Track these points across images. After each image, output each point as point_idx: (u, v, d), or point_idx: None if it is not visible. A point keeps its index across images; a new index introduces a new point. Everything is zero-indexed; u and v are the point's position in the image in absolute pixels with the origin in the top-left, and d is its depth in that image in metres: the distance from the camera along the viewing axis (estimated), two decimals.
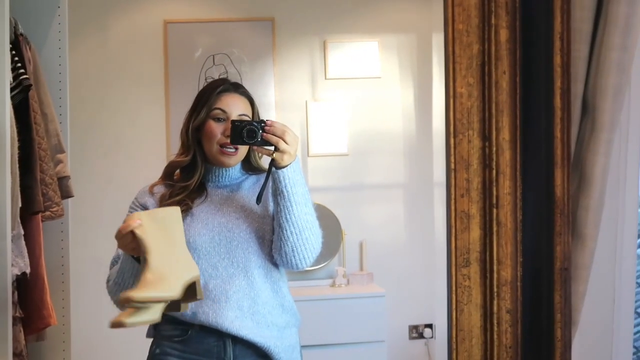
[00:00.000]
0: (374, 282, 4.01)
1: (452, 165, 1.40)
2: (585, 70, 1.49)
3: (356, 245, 4.10)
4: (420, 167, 4.15)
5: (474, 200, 1.41)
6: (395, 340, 4.02)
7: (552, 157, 1.42)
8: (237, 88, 2.03)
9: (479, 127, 1.40)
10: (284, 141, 1.81)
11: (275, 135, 1.81)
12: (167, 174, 2.04)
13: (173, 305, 1.78)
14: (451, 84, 1.39)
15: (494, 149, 1.40)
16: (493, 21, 1.42)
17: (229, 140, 1.90)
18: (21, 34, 2.78)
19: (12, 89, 2.56)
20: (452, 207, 1.39)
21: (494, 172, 1.40)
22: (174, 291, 1.69)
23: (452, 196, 1.39)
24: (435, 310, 4.02)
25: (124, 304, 1.64)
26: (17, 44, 2.70)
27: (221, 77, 3.98)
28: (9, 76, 2.48)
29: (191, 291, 1.78)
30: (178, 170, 2.04)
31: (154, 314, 1.68)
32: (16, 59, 2.63)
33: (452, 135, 1.39)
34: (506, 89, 1.41)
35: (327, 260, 4.01)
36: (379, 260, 4.09)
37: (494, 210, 1.40)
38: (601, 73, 1.48)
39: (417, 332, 4.15)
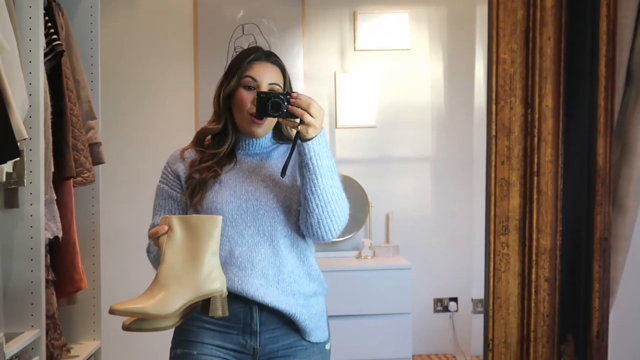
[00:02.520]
0: (400, 254, 4.01)
1: (493, 132, 1.38)
2: (631, 38, 1.46)
3: (382, 218, 4.10)
4: (448, 140, 4.13)
5: (515, 167, 1.40)
6: (419, 312, 4.03)
7: (594, 125, 1.40)
8: (269, 56, 2.00)
9: (522, 94, 1.38)
10: (309, 114, 1.79)
11: (301, 108, 1.79)
12: (198, 140, 2.04)
13: (205, 307, 1.77)
14: (494, 49, 1.36)
15: (537, 116, 1.38)
16: None
17: None
18: (54, 0, 2.78)
19: (45, 55, 2.57)
20: (492, 175, 1.38)
21: (536, 139, 1.38)
22: (167, 309, 1.66)
23: (493, 163, 1.38)
24: (462, 284, 4.04)
25: (111, 313, 1.64)
26: (50, 10, 2.71)
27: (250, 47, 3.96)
28: (42, 42, 2.49)
29: (208, 304, 1.75)
30: (209, 137, 2.04)
31: (164, 322, 1.68)
32: (49, 24, 2.63)
33: (493, 101, 1.37)
34: (550, 56, 1.38)
35: (353, 232, 4.02)
36: (405, 233, 4.09)
37: (535, 178, 1.38)
38: None
39: (441, 305, 4.15)
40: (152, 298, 1.65)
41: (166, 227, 1.72)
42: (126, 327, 1.67)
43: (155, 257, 1.92)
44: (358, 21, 4.08)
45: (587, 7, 1.42)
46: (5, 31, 2.20)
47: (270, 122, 1.96)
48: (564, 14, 1.40)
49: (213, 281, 1.72)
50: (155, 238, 1.74)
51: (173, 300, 1.66)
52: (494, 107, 1.37)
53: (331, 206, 1.85)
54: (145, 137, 3.95)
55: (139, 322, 1.66)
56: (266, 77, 1.95)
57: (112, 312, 1.63)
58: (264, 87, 1.93)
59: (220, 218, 1.75)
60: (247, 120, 1.94)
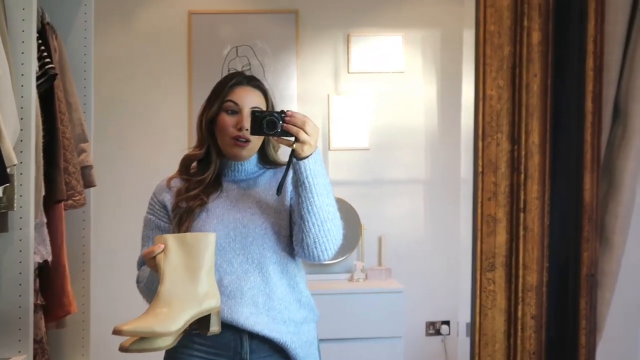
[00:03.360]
0: (392, 277, 4.00)
1: (480, 169, 1.38)
2: (618, 74, 1.47)
3: (375, 240, 4.10)
4: (442, 163, 4.13)
5: (501, 204, 1.40)
6: (412, 336, 4.02)
7: (581, 161, 1.40)
8: (250, 81, 2.02)
9: (508, 130, 1.39)
10: (305, 132, 1.79)
11: (296, 126, 1.79)
12: (183, 167, 2.04)
13: (202, 325, 1.78)
14: (481, 86, 1.37)
15: (523, 152, 1.38)
16: (525, 23, 1.40)
17: (242, 133, 1.91)
18: (47, 23, 2.79)
19: (37, 78, 2.57)
20: (479, 211, 1.38)
21: (522, 176, 1.38)
22: (173, 326, 1.66)
23: (479, 199, 1.38)
24: (454, 307, 4.02)
25: (115, 334, 1.63)
26: (43, 33, 2.71)
27: (244, 68, 3.98)
28: (35, 65, 2.49)
29: (206, 321, 1.76)
30: (195, 163, 2.04)
31: (164, 341, 1.68)
32: (42, 48, 2.64)
33: (480, 138, 1.37)
34: (537, 92, 1.39)
35: (345, 254, 4.01)
36: (398, 256, 4.08)
37: (521, 215, 1.38)
38: (634, 77, 1.46)
39: (434, 328, 4.14)
40: (157, 316, 1.65)
41: (162, 246, 1.72)
42: (125, 349, 1.65)
43: (147, 285, 1.91)
44: (352, 43, 4.10)
45: (574, 44, 1.43)
46: None
47: (254, 144, 1.96)
48: (550, 51, 1.41)
49: (212, 297, 1.74)
50: (150, 258, 1.73)
51: (178, 317, 1.67)
52: (480, 143, 1.37)
53: (327, 225, 1.85)
54: (137, 159, 3.95)
55: (139, 343, 1.65)
56: (248, 100, 1.96)
57: (117, 332, 1.61)
58: (246, 111, 1.94)
59: (214, 235, 1.77)
60: (230, 143, 1.95)
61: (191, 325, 1.73)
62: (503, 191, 1.39)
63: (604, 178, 1.48)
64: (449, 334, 4.10)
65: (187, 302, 1.69)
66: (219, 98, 1.98)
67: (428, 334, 4.14)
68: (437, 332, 4.13)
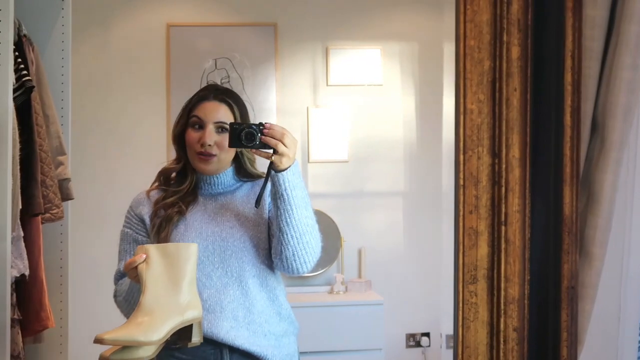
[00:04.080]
0: (372, 289, 4.00)
1: (461, 182, 1.39)
2: (596, 88, 1.49)
3: (355, 253, 4.10)
4: (420, 175, 4.15)
5: (483, 217, 1.41)
6: (392, 348, 4.02)
7: (561, 175, 1.41)
8: (217, 95, 2.00)
9: (489, 144, 1.40)
10: (283, 144, 1.79)
11: (274, 138, 1.79)
12: (161, 179, 2.04)
13: (182, 337, 1.76)
14: (462, 100, 1.38)
15: (504, 166, 1.40)
16: (505, 38, 1.41)
17: (204, 149, 1.91)
18: (24, 35, 2.76)
19: (14, 90, 2.54)
20: (461, 224, 1.38)
21: (503, 189, 1.40)
22: (155, 336, 1.64)
23: (461, 213, 1.39)
24: (434, 319, 4.04)
25: (96, 342, 1.62)
26: (20, 45, 2.69)
27: (223, 81, 3.97)
28: (11, 77, 2.47)
29: (188, 331, 1.75)
30: (174, 174, 2.04)
31: (146, 351, 1.65)
32: (19, 60, 2.62)
33: (461, 151, 1.38)
34: (517, 106, 1.40)
35: (325, 266, 4.01)
36: (378, 268, 4.09)
37: (503, 228, 1.39)
38: (611, 92, 1.48)
39: (414, 340, 4.14)
40: (139, 325, 1.63)
41: (144, 256, 1.71)
42: (106, 358, 1.63)
43: (125, 298, 1.89)
44: (330, 56, 4.12)
45: (553, 59, 1.45)
46: None
47: (222, 158, 1.95)
48: (529, 65, 1.43)
49: (194, 308, 1.73)
50: (132, 269, 1.72)
51: (161, 327, 1.65)
52: (461, 156, 1.38)
53: (306, 237, 1.84)
54: (115, 172, 3.92)
55: (120, 352, 1.63)
56: (211, 116, 1.95)
57: (98, 341, 1.59)
58: (210, 127, 1.93)
59: (196, 246, 1.76)
60: (195, 158, 1.95)
61: (172, 336, 1.71)
62: (484, 204, 1.40)
63: (583, 191, 1.50)
64: (429, 345, 4.11)
65: (169, 311, 1.68)
66: (185, 113, 1.99)
67: (408, 346, 4.14)
68: (417, 344, 4.14)
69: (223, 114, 1.97)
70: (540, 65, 1.45)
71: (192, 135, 1.95)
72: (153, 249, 1.74)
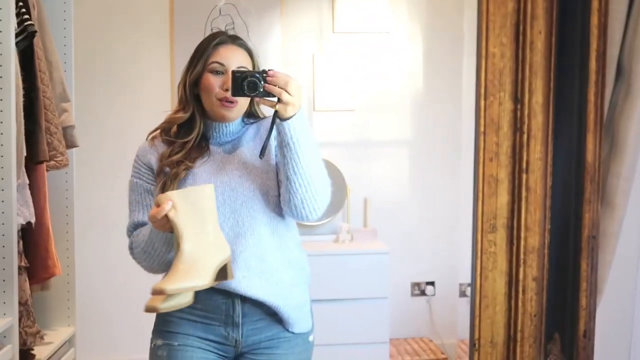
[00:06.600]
0: (378, 238, 4.00)
1: (482, 128, 1.35)
2: (622, 32, 1.44)
3: (360, 202, 4.08)
4: (427, 124, 4.10)
5: (503, 164, 1.37)
6: (397, 296, 4.03)
7: (584, 122, 1.37)
8: (235, 40, 1.95)
9: (511, 89, 1.35)
10: (287, 92, 1.73)
11: (278, 86, 1.73)
12: (165, 130, 1.98)
13: (220, 276, 1.76)
14: (483, 43, 1.33)
15: (526, 112, 1.35)
16: None
17: (228, 94, 1.85)
18: None
19: (16, 35, 2.49)
20: (480, 171, 1.35)
21: (525, 136, 1.36)
22: (205, 279, 1.67)
23: (481, 160, 1.35)
24: (439, 268, 4.05)
25: (156, 295, 1.62)
26: None
27: (227, 28, 3.89)
28: (13, 22, 2.41)
29: (223, 271, 1.76)
30: (175, 127, 1.98)
31: (186, 297, 1.68)
32: (20, 4, 2.55)
33: (482, 97, 1.34)
34: (541, 50, 1.35)
35: (331, 215, 3.99)
36: (383, 217, 4.07)
37: (524, 176, 1.36)
38: (638, 37, 1.43)
39: (419, 289, 4.16)
40: (189, 271, 1.65)
41: (170, 203, 1.68)
42: (155, 308, 1.64)
43: (145, 249, 1.85)
44: (336, 3, 4.03)
45: (578, 0, 1.39)
46: None
47: (242, 104, 1.90)
48: (554, 7, 1.37)
49: (224, 247, 1.74)
50: (158, 218, 1.69)
51: (210, 269, 1.68)
52: (482, 102, 1.33)
53: (314, 185, 1.80)
54: (119, 119, 3.87)
55: (171, 300, 1.65)
56: (234, 60, 1.89)
57: (159, 292, 1.61)
58: (234, 69, 1.87)
59: (212, 186, 1.76)
60: (216, 104, 1.88)
61: None
62: (505, 151, 1.36)
63: (606, 139, 1.46)
64: (434, 294, 4.12)
65: (209, 254, 1.69)
66: (202, 58, 1.91)
67: (413, 295, 4.15)
68: (422, 293, 4.15)
69: (243, 58, 1.91)
70: (566, 7, 1.39)
71: (212, 81, 1.89)
72: (176, 196, 1.71)
